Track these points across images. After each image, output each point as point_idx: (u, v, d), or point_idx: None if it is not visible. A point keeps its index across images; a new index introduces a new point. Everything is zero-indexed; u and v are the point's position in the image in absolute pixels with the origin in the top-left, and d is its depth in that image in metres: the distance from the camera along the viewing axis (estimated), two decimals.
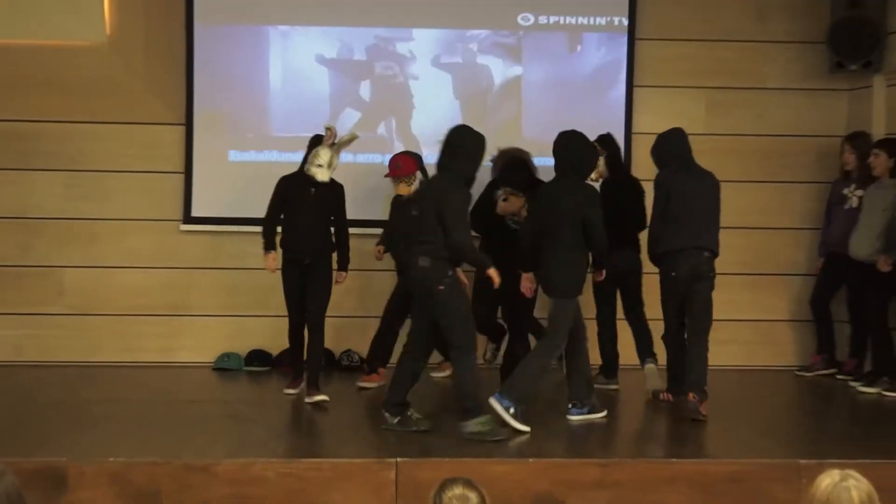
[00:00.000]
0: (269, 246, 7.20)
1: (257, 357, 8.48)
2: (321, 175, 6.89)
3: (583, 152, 6.82)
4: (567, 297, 6.56)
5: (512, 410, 6.23)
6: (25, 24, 8.25)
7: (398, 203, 7.65)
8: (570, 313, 6.61)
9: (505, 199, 7.40)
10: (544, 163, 7.39)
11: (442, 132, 7.89)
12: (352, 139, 7.24)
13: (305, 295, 7.14)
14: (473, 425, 6.04)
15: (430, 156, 8.19)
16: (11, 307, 8.47)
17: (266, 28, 8.69)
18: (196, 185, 8.64)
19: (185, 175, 8.63)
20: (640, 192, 7.75)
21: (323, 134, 7.15)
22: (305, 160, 7.02)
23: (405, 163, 7.48)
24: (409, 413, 6.26)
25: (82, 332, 8.53)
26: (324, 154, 6.82)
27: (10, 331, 8.48)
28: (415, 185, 7.49)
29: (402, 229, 7.37)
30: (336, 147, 6.95)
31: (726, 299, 8.26)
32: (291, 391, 7.28)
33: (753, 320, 8.70)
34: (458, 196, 6.20)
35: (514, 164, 7.60)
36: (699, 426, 6.65)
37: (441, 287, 6.09)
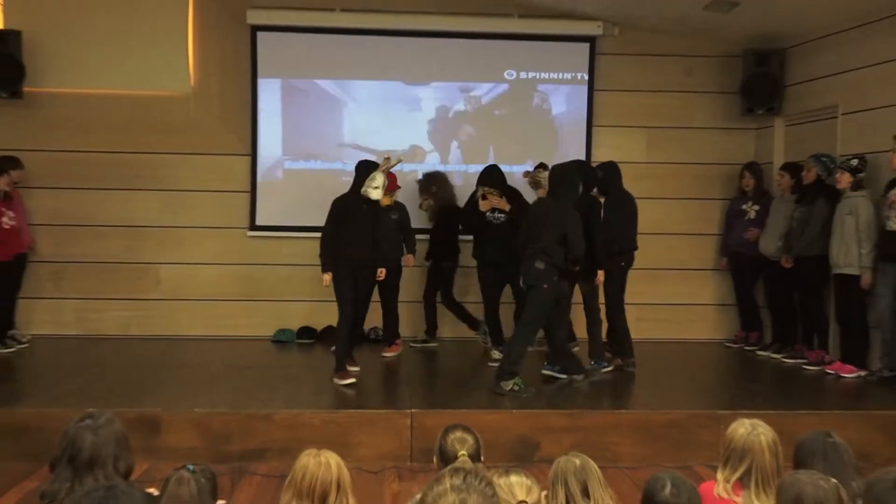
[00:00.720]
0: (326, 268, 6.55)
1: (305, 332, 8.40)
2: (376, 195, 6.57)
3: (592, 175, 7.05)
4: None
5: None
6: (130, 79, 8.26)
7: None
8: None
9: (484, 198, 7.32)
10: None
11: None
12: (398, 161, 7.07)
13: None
14: (510, 385, 6.12)
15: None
16: (120, 294, 8.45)
17: (311, 81, 8.64)
18: (259, 201, 8.61)
19: (251, 194, 8.60)
20: None
21: (369, 159, 7.03)
22: (360, 182, 6.60)
23: (392, 181, 7.33)
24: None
25: (173, 312, 8.52)
26: (379, 178, 6.54)
27: (120, 312, 8.47)
28: (394, 197, 7.58)
29: (382, 230, 7.11)
30: (385, 170, 6.72)
31: (665, 289, 8.30)
32: (354, 368, 6.78)
33: (686, 304, 8.66)
34: (579, 222, 6.35)
35: (491, 169, 7.53)
36: (643, 385, 6.62)
37: (546, 286, 6.22)
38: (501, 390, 6.10)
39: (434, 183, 8.17)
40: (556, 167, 6.74)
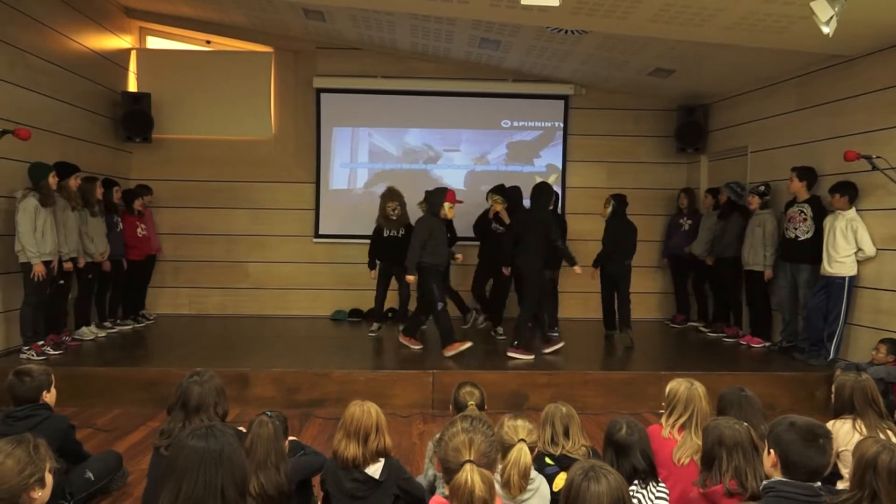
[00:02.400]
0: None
1: (355, 312, 8.36)
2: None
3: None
4: None
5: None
6: (228, 127, 8.37)
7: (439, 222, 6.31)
8: None
9: (491, 205, 7.17)
10: None
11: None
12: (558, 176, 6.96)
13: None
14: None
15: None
16: (221, 284, 8.47)
17: (359, 129, 8.60)
18: (321, 216, 8.57)
19: (315, 211, 8.57)
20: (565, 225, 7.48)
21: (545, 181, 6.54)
22: (546, 201, 6.19)
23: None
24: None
25: (258, 297, 8.50)
26: None
27: (220, 297, 8.48)
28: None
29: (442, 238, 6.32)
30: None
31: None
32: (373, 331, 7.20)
33: (635, 292, 8.52)
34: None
35: (500, 185, 7.28)
36: (604, 352, 6.55)
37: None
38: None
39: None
40: (615, 196, 6.84)
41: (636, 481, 2.62)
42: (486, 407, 3.28)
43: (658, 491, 2.62)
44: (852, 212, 5.79)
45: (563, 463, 2.85)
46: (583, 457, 2.89)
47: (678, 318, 8.30)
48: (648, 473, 2.66)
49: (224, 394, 3.10)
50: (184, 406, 2.98)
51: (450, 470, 2.10)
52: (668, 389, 3.13)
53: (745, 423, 2.59)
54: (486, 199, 7.35)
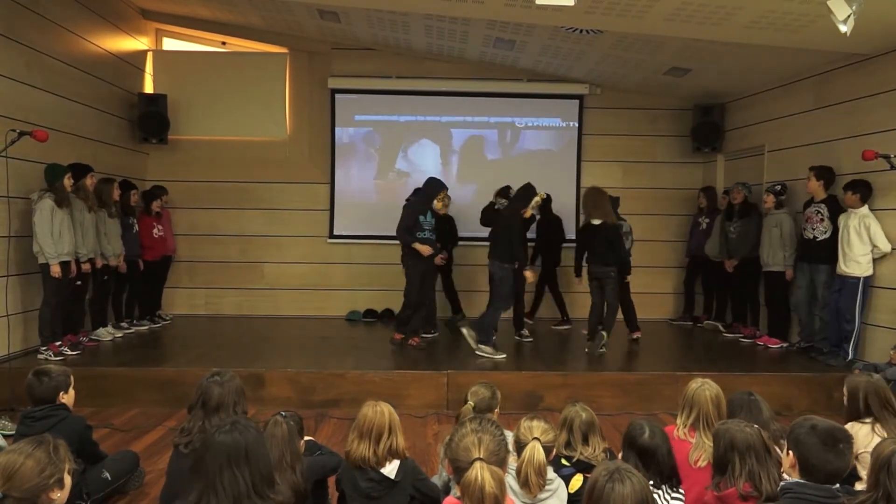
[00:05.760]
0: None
1: (369, 313, 8.40)
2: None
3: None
4: None
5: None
6: (244, 128, 8.42)
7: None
8: None
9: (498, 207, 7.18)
10: None
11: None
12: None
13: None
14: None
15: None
16: (236, 284, 8.52)
17: (373, 130, 8.62)
18: (336, 217, 8.60)
19: (330, 211, 8.60)
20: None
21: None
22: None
23: None
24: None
25: (274, 298, 8.55)
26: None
27: (236, 298, 8.53)
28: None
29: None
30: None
31: (634, 281, 8.14)
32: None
33: (649, 293, 8.51)
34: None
35: (506, 186, 7.30)
36: (620, 352, 6.53)
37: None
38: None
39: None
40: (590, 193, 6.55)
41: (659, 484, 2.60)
42: (497, 408, 3.27)
43: (675, 493, 2.61)
44: (865, 209, 5.77)
45: (580, 466, 2.85)
46: (601, 461, 2.87)
47: (682, 316, 8.36)
48: (672, 478, 2.63)
49: (244, 394, 3.15)
50: (204, 405, 3.03)
51: (460, 469, 2.12)
52: (685, 389, 3.13)
53: (756, 426, 2.58)
54: (493, 199, 7.40)
